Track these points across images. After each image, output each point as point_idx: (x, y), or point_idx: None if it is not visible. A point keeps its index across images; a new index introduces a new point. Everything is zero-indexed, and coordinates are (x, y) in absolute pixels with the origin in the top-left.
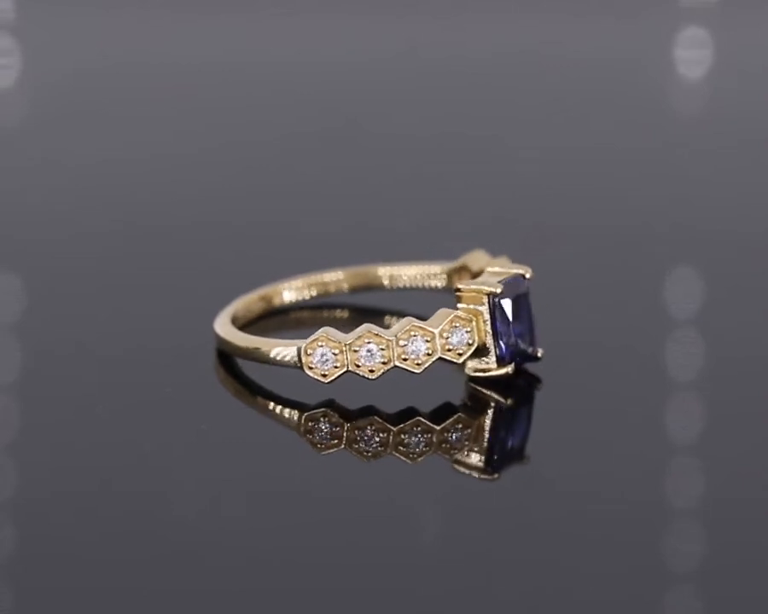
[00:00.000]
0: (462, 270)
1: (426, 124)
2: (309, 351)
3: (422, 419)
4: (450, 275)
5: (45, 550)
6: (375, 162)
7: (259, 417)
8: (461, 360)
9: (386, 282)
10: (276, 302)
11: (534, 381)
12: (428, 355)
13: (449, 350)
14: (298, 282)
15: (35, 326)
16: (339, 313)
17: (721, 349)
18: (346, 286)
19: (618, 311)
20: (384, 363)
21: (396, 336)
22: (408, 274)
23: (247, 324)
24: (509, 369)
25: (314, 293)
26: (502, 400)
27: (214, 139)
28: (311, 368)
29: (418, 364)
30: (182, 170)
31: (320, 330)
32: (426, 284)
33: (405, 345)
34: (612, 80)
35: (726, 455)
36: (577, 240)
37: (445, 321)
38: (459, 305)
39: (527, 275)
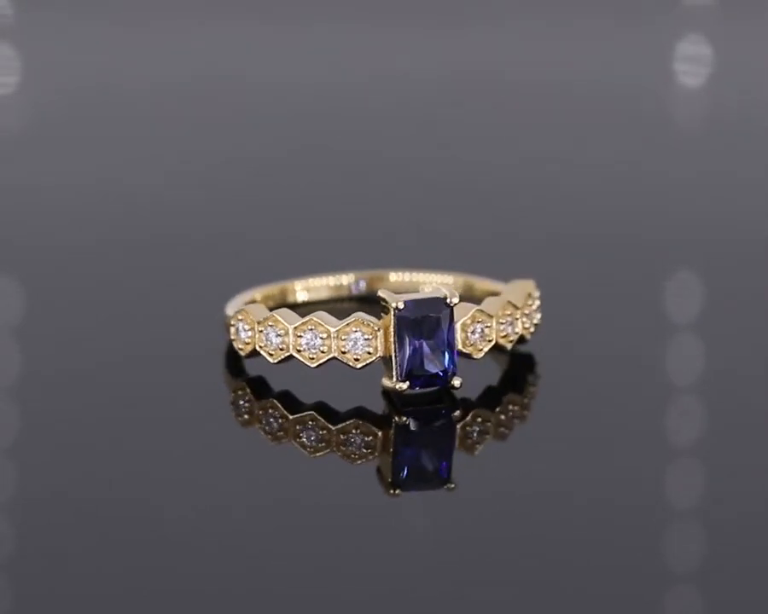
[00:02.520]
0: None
1: (426, 135)
2: (233, 323)
3: (316, 415)
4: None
5: (44, 553)
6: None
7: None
8: (358, 365)
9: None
10: (290, 298)
11: (456, 407)
12: (323, 352)
13: (344, 353)
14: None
15: (35, 330)
16: (347, 306)
17: (719, 355)
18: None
19: (616, 319)
20: (281, 350)
21: (295, 326)
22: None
23: None
24: (400, 386)
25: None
26: (398, 417)
27: (216, 148)
28: (233, 340)
29: (312, 359)
30: (185, 178)
31: (246, 305)
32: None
33: (301, 337)
34: (610, 88)
35: (721, 460)
36: (576, 249)
37: (345, 324)
38: (382, 313)
39: (451, 301)
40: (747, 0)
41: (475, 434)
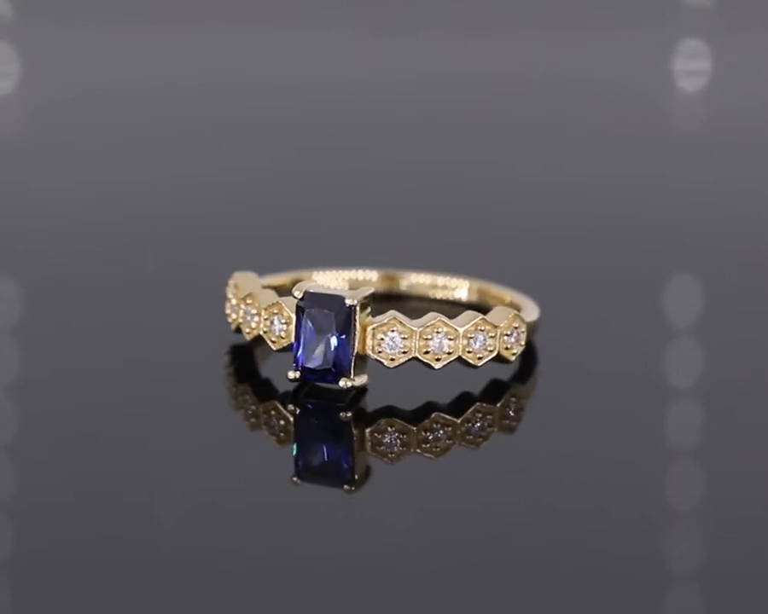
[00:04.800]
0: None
1: (427, 134)
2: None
3: (250, 395)
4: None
5: (44, 553)
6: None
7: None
8: (275, 348)
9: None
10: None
11: (349, 407)
12: (253, 328)
13: (266, 333)
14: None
15: (35, 330)
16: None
17: (718, 356)
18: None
19: (614, 320)
20: (234, 319)
21: (242, 297)
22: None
23: None
24: (291, 375)
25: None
26: (292, 406)
27: (216, 148)
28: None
29: (248, 333)
30: (184, 178)
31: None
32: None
33: (242, 309)
34: (607, 92)
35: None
36: (575, 249)
37: (271, 303)
38: None
39: (351, 302)
40: (748, 3)
41: (389, 439)
